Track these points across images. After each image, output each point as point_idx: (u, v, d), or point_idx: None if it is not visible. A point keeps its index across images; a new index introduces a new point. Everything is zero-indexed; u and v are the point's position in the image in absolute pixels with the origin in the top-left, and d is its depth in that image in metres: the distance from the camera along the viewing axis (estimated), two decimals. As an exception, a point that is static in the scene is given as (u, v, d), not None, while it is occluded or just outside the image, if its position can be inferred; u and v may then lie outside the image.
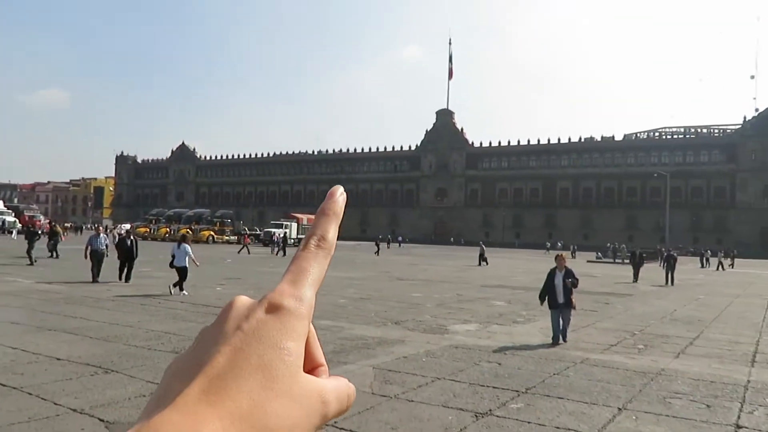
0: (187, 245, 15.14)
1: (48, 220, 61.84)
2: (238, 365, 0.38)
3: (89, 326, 9.83)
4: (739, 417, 6.12)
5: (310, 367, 0.44)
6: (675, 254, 27.52)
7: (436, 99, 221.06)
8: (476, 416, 5.82)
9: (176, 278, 14.77)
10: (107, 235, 20.72)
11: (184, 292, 14.61)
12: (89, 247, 17.63)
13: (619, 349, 9.73)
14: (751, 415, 6.21)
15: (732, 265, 46.06)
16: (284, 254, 38.98)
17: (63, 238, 30.23)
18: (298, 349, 0.41)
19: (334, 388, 0.43)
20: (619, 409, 6.23)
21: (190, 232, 56.58)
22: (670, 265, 25.89)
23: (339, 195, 0.52)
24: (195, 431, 0.34)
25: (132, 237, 18.30)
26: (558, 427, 5.56)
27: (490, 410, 6.01)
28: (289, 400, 0.38)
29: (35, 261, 22.65)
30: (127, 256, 17.32)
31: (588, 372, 7.92)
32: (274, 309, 0.42)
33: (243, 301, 0.44)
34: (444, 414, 5.85)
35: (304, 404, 0.39)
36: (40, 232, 28.21)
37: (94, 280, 16.96)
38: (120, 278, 17.10)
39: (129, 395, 6.03)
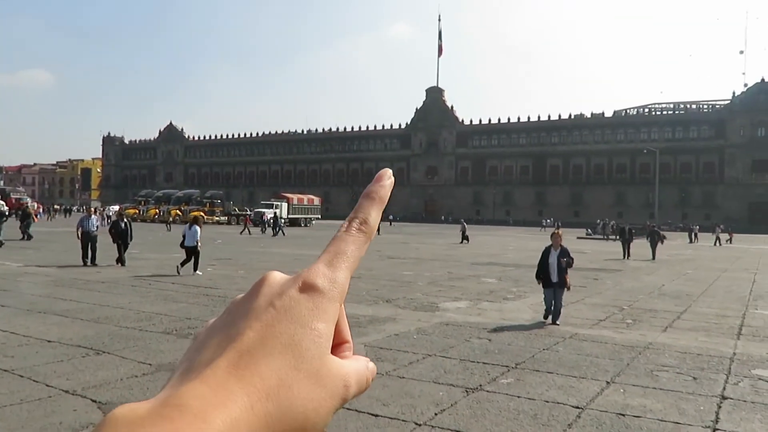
0: (197, 227, 15.61)
1: (23, 203, 61.13)
2: (268, 342, 0.38)
3: (80, 308, 9.82)
4: (724, 388, 6.23)
5: (337, 341, 0.44)
6: (658, 229, 28.19)
7: (426, 77, 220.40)
8: (467, 392, 5.88)
9: (184, 258, 15.26)
10: (98, 216, 20.22)
11: (198, 272, 15.13)
12: (80, 229, 17.21)
13: (607, 324, 9.84)
14: (736, 387, 6.32)
15: (730, 240, 46.32)
16: (283, 233, 38.97)
17: (35, 220, 29.90)
18: (328, 330, 0.41)
19: (355, 371, 0.43)
20: (608, 382, 6.32)
21: (180, 213, 56.75)
22: (653, 240, 26.85)
23: (387, 179, 0.51)
24: (222, 404, 0.34)
25: (126, 219, 17.87)
26: (547, 401, 5.64)
27: (480, 385, 6.08)
28: (315, 381, 0.38)
29: (2, 243, 22.15)
30: (121, 239, 16.98)
31: (577, 347, 8.01)
32: (307, 288, 0.41)
33: (276, 276, 0.43)
34: (435, 390, 5.91)
35: (328, 387, 0.39)
36: (6, 213, 27.80)
37: (84, 263, 16.58)
38: (118, 262, 16.73)
39: (121, 376, 6.05)
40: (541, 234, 51.53)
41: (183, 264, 15.09)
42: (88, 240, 16.93)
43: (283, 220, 45.37)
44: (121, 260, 16.75)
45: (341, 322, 0.45)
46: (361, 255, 0.46)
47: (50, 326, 8.31)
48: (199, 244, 15.48)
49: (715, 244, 41.19)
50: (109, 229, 17.49)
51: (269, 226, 41.09)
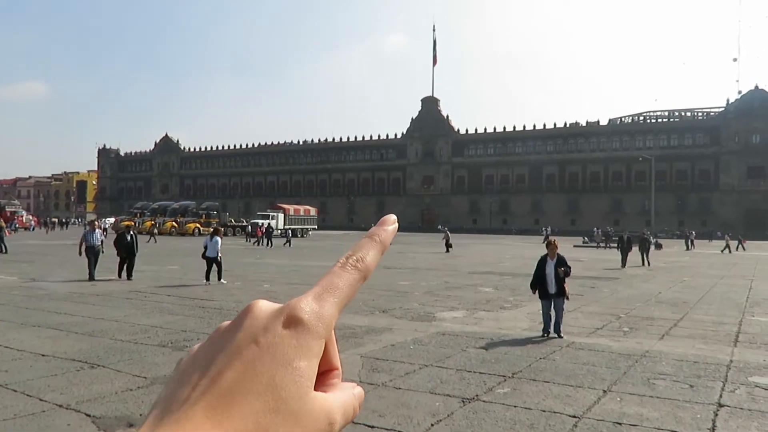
0: (218, 238, 16.26)
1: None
2: (248, 384, 0.37)
3: (74, 321, 9.77)
4: (721, 396, 6.22)
5: (326, 368, 0.44)
6: (647, 236, 28.06)
7: (422, 86, 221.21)
8: (463, 402, 5.86)
9: (206, 269, 15.94)
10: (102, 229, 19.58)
11: (224, 281, 15.94)
12: (84, 244, 16.63)
13: (604, 332, 9.83)
14: (733, 394, 6.31)
15: (742, 247, 44.64)
16: (270, 245, 38.91)
17: (7, 233, 29.72)
18: (311, 368, 0.40)
19: (341, 404, 0.42)
20: (604, 391, 6.30)
21: (176, 224, 56.63)
22: (644, 248, 26.83)
23: (391, 224, 0.50)
24: None
25: (132, 232, 17.44)
26: (544, 410, 5.62)
27: (477, 395, 6.06)
28: (294, 423, 0.38)
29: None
30: (127, 252, 16.60)
31: (574, 355, 7.99)
32: (292, 323, 0.41)
33: (262, 308, 0.42)
34: (431, 400, 5.89)
35: (309, 427, 0.38)
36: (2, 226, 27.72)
37: (92, 277, 16.03)
38: (119, 275, 16.38)
39: (116, 389, 6.01)
40: (534, 246, 51.57)
41: (208, 274, 15.82)
42: (91, 255, 16.42)
43: (279, 231, 45.19)
44: (128, 274, 16.42)
45: (330, 349, 0.44)
46: (353, 293, 0.45)
47: (44, 340, 8.27)
48: (220, 254, 16.08)
49: (723, 252, 40.67)
50: (114, 242, 16.97)
51: (262, 237, 41.12)
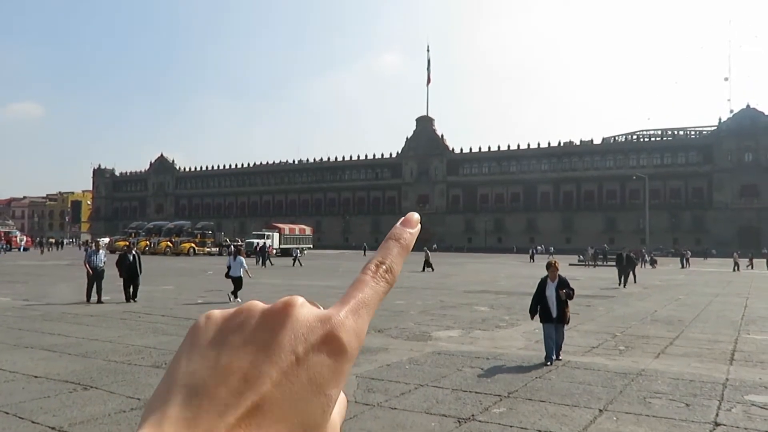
0: (242, 258, 16.81)
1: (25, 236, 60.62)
2: (281, 399, 0.36)
3: (68, 342, 9.70)
4: (717, 415, 6.20)
5: None
6: (633, 255, 27.17)
7: (416, 106, 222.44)
8: (459, 422, 5.83)
9: (232, 287, 16.56)
10: (106, 250, 18.62)
11: (238, 299, 16.18)
12: (88, 264, 16.01)
13: (600, 351, 9.81)
14: (729, 413, 6.30)
15: (751, 266, 44.22)
16: (264, 265, 38.67)
17: None
18: (338, 395, 0.39)
19: (340, 418, 0.42)
20: (600, 410, 6.28)
21: (171, 244, 56.47)
22: (629, 265, 25.28)
23: (416, 226, 0.49)
24: None
25: (134, 252, 16.78)
26: (540, 430, 5.59)
27: (473, 415, 6.03)
28: None
29: None
30: (130, 273, 15.96)
31: (569, 375, 7.97)
32: (333, 342, 0.39)
33: (303, 312, 0.41)
34: (427, 421, 5.85)
35: None
36: None
37: (88, 299, 15.62)
38: (127, 299, 15.78)
39: (109, 411, 5.96)
40: (529, 264, 51.54)
41: (234, 293, 16.38)
42: (95, 276, 15.82)
43: (275, 251, 44.81)
44: (132, 295, 15.89)
45: None
46: (379, 303, 0.44)
47: (37, 361, 8.20)
48: (249, 274, 17.04)
49: (734, 270, 40.31)
50: (116, 262, 16.29)
51: (260, 257, 40.77)
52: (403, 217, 0.49)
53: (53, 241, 76.51)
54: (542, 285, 9.09)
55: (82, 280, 17.17)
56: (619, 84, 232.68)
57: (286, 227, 62.80)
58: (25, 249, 65.04)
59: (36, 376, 7.32)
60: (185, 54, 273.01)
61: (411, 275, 30.87)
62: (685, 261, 46.62)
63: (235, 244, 61.40)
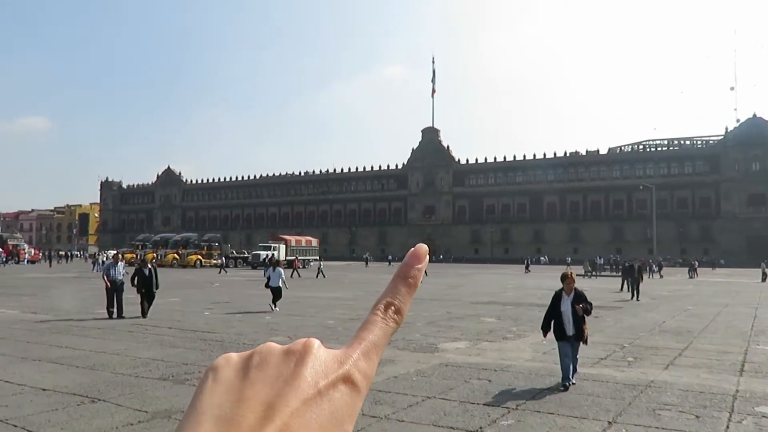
0: (280, 269, 17.66)
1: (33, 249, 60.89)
2: (303, 430, 0.38)
3: (75, 355, 9.72)
4: (727, 427, 6.15)
5: None
6: (636, 264, 25.20)
7: (422, 117, 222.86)
8: (467, 434, 5.79)
9: (272, 297, 17.33)
10: (125, 262, 17.60)
11: (276, 309, 16.96)
12: (107, 277, 15.43)
13: (608, 362, 9.75)
14: (740, 425, 6.24)
15: None
16: (324, 276, 38.52)
17: None
18: (351, 430, 0.42)
19: None
20: (609, 422, 6.24)
21: (178, 256, 56.58)
22: (631, 276, 24.54)
23: (424, 260, 0.51)
24: None
25: (150, 265, 16.00)
26: (549, 443, 5.55)
27: (481, 428, 6.00)
28: None
29: None
30: (147, 287, 15.27)
31: (578, 386, 7.92)
32: (349, 381, 0.42)
33: (321, 352, 0.43)
34: (434, 433, 5.82)
35: None
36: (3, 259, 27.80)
37: (111, 315, 14.92)
38: (143, 314, 15.10)
39: (116, 424, 5.96)
40: (533, 275, 51.32)
41: (274, 302, 17.13)
42: (114, 290, 15.20)
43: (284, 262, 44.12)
44: (142, 311, 15.13)
45: None
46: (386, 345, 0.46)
47: (45, 374, 8.22)
48: (286, 284, 17.84)
49: (763, 281, 39.52)
50: (132, 276, 15.59)
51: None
52: (411, 250, 0.50)
53: (62, 253, 76.58)
54: (556, 299, 8.24)
55: (89, 293, 17.28)
56: (625, 94, 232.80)
57: (292, 239, 62.82)
58: (30, 262, 65.02)
59: (44, 389, 7.33)
60: (192, 67, 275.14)
61: (422, 285, 30.77)
62: (693, 271, 46.24)
63: (242, 256, 61.66)
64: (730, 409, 6.84)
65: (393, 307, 0.47)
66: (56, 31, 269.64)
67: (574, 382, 7.89)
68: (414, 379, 8.29)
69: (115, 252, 21.41)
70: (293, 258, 45.97)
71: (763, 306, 20.94)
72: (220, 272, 43.11)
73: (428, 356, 10.08)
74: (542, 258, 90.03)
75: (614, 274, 46.51)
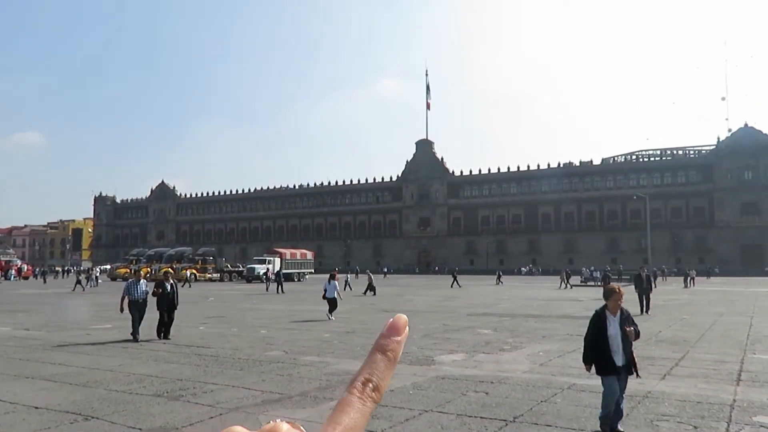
0: (335, 281, 19.13)
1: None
2: None
3: (68, 372, 9.63)
4: (726, 437, 6.12)
5: None
6: (644, 273, 23.58)
7: (416, 129, 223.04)
8: (464, 448, 5.75)
9: (328, 307, 18.78)
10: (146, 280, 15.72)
11: (332, 318, 18.39)
12: (127, 298, 14.10)
13: (605, 373, 9.70)
14: (739, 435, 6.21)
15: None
16: (267, 289, 38.38)
17: None
18: None
19: None
20: (608, 434, 6.19)
21: (172, 270, 56.38)
22: (640, 286, 22.93)
23: (403, 333, 0.48)
24: None
25: (172, 281, 14.90)
26: (547, 456, 5.51)
27: (479, 441, 5.95)
28: None
29: None
30: (168, 306, 14.04)
31: (575, 398, 7.89)
32: None
33: None
34: (432, 447, 5.77)
35: None
36: None
37: (135, 337, 13.56)
38: (159, 335, 13.95)
39: (110, 442, 5.89)
40: (522, 286, 51.11)
41: (331, 312, 18.58)
42: (136, 310, 13.91)
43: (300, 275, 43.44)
44: (165, 332, 13.93)
45: None
46: (365, 424, 0.44)
47: (38, 392, 8.13)
48: (340, 296, 19.53)
49: None
50: (153, 293, 14.29)
51: (270, 282, 40.07)
52: (389, 321, 0.48)
53: (59, 269, 75.64)
54: (599, 321, 6.49)
55: (84, 308, 17.10)
56: (617, 105, 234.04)
57: (287, 252, 62.69)
58: (24, 278, 64.07)
59: (36, 407, 7.25)
60: (186, 82, 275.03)
61: (414, 298, 30.73)
62: (689, 280, 46.28)
63: (236, 270, 61.49)
64: (728, 419, 6.82)
65: (371, 384, 0.44)
66: (51, 46, 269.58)
67: (622, 430, 6.24)
68: (411, 392, 8.24)
69: (137, 268, 20.96)
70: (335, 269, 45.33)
71: (758, 315, 20.96)
72: (184, 285, 42.66)
73: (425, 369, 10.03)
74: (523, 269, 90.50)
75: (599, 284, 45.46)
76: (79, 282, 40.57)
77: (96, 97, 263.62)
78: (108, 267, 74.59)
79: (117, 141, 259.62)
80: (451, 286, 42.84)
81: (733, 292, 37.23)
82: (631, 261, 78.89)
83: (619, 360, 6.23)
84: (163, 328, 13.96)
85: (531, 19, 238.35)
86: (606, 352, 6.27)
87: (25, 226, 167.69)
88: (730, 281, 54.13)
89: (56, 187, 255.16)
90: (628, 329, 6.27)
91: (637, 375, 6.39)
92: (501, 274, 56.25)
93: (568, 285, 43.82)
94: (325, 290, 19.04)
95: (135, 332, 13.63)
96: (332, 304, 18.76)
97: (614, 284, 7.13)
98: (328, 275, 19.91)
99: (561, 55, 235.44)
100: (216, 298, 31.16)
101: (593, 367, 6.43)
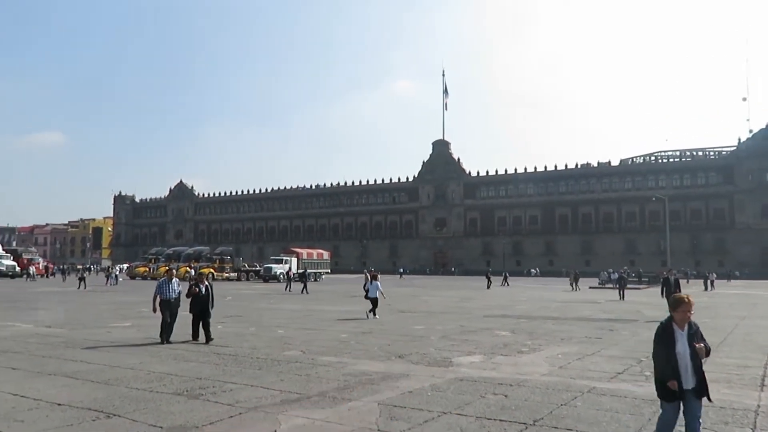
0: (377, 282, 19.95)
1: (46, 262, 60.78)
2: None
3: (90, 369, 9.73)
4: (751, 443, 6.03)
5: None
6: (672, 277, 23.69)
7: (432, 130, 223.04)
8: (484, 451, 5.72)
9: (371, 306, 19.49)
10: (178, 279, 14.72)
11: (376, 317, 19.07)
12: (158, 297, 13.40)
13: (626, 376, 9.62)
14: (764, 441, 6.12)
15: None
16: (289, 289, 38.71)
17: None
18: None
19: None
20: (630, 439, 6.13)
21: (190, 270, 56.79)
22: (621, 286, 29.23)
23: None
24: None
25: (207, 282, 14.02)
26: (568, 460, 5.46)
27: (499, 444, 5.92)
28: None
29: None
30: (202, 307, 13.45)
31: (596, 401, 7.82)
32: None
33: None
34: (452, 450, 5.75)
35: None
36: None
37: (165, 340, 13.09)
38: (194, 337, 13.47)
39: (131, 440, 5.93)
40: (499, 288, 50.78)
41: (374, 311, 19.30)
42: (167, 310, 13.27)
43: (295, 275, 43.75)
44: (207, 335, 13.32)
45: None
46: None
47: (60, 388, 8.22)
48: (384, 295, 20.43)
49: None
50: (187, 293, 13.61)
51: (289, 281, 40.44)
52: None
53: (80, 267, 75.84)
54: (667, 334, 5.33)
55: (103, 306, 17.27)
56: (636, 105, 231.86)
57: (304, 252, 62.96)
58: (40, 275, 63.25)
59: (59, 404, 7.33)
60: (204, 82, 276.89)
61: (429, 299, 30.66)
62: (709, 283, 45.80)
63: (253, 269, 61.78)
64: (753, 426, 6.72)
65: None
66: (72, 46, 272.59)
67: None
68: (429, 393, 8.21)
69: (168, 267, 20.06)
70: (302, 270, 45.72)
71: (781, 319, 20.66)
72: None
73: (443, 370, 9.99)
74: (533, 270, 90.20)
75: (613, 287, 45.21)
76: (82, 279, 40.93)
77: (116, 98, 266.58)
78: (126, 265, 75.33)
79: (136, 141, 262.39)
80: (488, 287, 42.65)
81: (754, 296, 36.75)
82: (649, 263, 78.25)
83: (689, 382, 5.05)
84: (202, 329, 13.42)
85: (548, 19, 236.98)
86: (672, 370, 5.07)
87: (47, 224, 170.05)
88: (751, 284, 53.41)
89: (77, 186, 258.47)
90: (698, 346, 5.21)
91: (709, 399, 5.17)
92: (507, 275, 56.12)
93: (578, 288, 43.42)
94: (367, 290, 20.03)
95: (163, 332, 13.14)
96: (374, 303, 19.42)
97: (683, 295, 5.64)
98: (365, 275, 20.77)
99: (579, 55, 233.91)
100: (233, 298, 31.33)
101: (663, 387, 5.12)
